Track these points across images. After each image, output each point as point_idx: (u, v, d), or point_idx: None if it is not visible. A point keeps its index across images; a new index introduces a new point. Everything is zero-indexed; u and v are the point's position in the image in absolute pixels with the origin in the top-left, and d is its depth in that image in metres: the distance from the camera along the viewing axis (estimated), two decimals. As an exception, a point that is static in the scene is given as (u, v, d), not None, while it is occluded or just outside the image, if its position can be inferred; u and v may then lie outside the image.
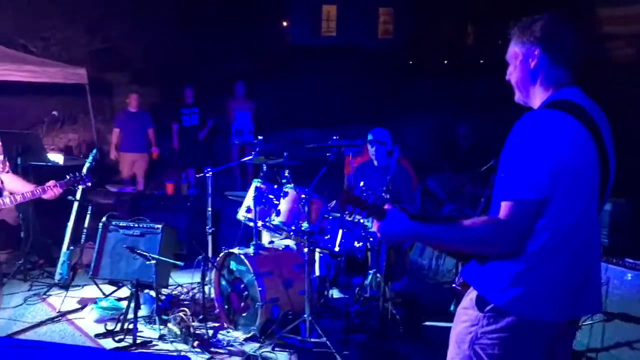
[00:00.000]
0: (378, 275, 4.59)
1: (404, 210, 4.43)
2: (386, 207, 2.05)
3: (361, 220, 4.33)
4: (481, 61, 19.05)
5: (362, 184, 2.15)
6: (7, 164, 3.75)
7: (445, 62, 20.05)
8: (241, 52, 15.71)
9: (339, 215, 4.36)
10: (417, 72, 17.74)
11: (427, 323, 4.70)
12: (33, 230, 5.77)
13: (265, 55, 16.74)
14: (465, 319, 1.98)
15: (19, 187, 3.67)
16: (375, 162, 5.07)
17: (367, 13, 23.31)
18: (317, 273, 4.98)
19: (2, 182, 3.64)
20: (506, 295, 1.85)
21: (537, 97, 1.96)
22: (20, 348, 0.99)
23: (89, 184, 3.92)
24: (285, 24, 22.79)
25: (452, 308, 4.89)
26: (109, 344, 4.24)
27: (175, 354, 4.01)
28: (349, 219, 4.39)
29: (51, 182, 3.67)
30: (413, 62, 19.90)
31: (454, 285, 2.19)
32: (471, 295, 1.97)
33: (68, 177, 3.80)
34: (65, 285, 5.12)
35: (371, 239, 4.44)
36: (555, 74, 1.93)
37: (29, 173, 5.91)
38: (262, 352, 4.07)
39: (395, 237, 2.04)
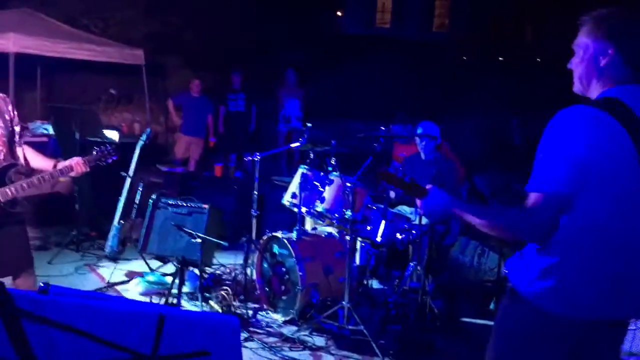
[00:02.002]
0: (418, 268, 4.59)
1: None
2: (428, 187, 2.13)
3: (405, 208, 4.34)
4: (538, 59, 18.59)
5: (397, 164, 2.24)
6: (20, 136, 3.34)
7: (501, 58, 19.65)
8: (294, 40, 15.77)
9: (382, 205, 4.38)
10: (471, 68, 17.44)
11: (465, 319, 4.68)
12: (87, 203, 6.01)
13: (318, 43, 16.76)
14: (501, 307, 2.05)
15: (38, 163, 3.35)
16: (423, 156, 5.06)
17: (423, 5, 23.01)
18: (358, 262, 5.01)
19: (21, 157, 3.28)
20: (533, 286, 1.88)
21: (595, 92, 1.92)
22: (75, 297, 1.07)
23: (115, 158, 3.52)
24: (339, 13, 22.75)
25: (492, 306, 4.86)
26: (152, 316, 4.39)
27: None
28: (392, 211, 4.40)
29: (77, 159, 3.34)
30: (467, 57, 19.57)
31: (503, 274, 2.27)
32: (510, 285, 2.01)
33: (94, 152, 3.44)
34: (114, 258, 5.32)
35: (413, 232, 4.44)
36: (621, 73, 1.87)
37: (87, 148, 6.14)
38: (300, 335, 4.14)
39: (439, 213, 2.11)
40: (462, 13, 21.92)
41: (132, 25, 12.99)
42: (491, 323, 2.14)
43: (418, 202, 2.14)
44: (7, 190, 3.08)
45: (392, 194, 4.78)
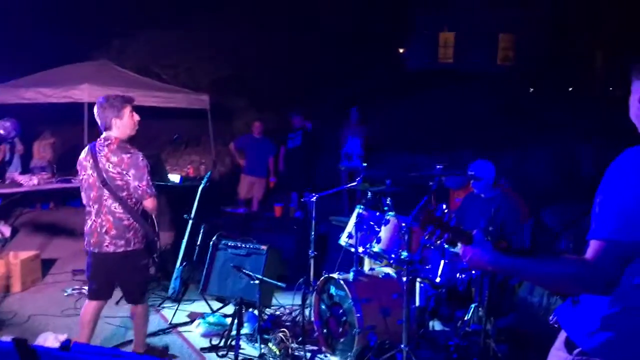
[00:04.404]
0: (480, 309, 4.43)
1: (509, 243, 4.24)
2: (474, 232, 2.05)
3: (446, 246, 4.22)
4: (610, 88, 17.96)
5: (444, 207, 2.14)
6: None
7: (570, 89, 19.09)
8: (357, 77, 15.97)
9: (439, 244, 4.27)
10: (539, 99, 17.02)
11: (533, 364, 4.44)
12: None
13: (380, 80, 16.89)
14: None
15: None
16: (482, 195, 4.93)
17: (487, 39, 22.77)
18: (417, 303, 4.89)
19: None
20: (594, 339, 1.75)
21: None
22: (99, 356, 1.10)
23: None
24: (401, 50, 22.89)
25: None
26: (213, 358, 4.43)
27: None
28: (452, 250, 4.29)
29: None
30: (534, 89, 19.13)
31: (550, 323, 2.10)
32: (562, 336, 1.88)
33: None
34: (177, 299, 5.43)
35: (474, 272, 4.31)
36: None
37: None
38: (357, 379, 4.06)
39: (480, 265, 2.02)
40: (528, 45, 21.52)
41: (200, 70, 13.59)
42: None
43: (461, 248, 2.06)
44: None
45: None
